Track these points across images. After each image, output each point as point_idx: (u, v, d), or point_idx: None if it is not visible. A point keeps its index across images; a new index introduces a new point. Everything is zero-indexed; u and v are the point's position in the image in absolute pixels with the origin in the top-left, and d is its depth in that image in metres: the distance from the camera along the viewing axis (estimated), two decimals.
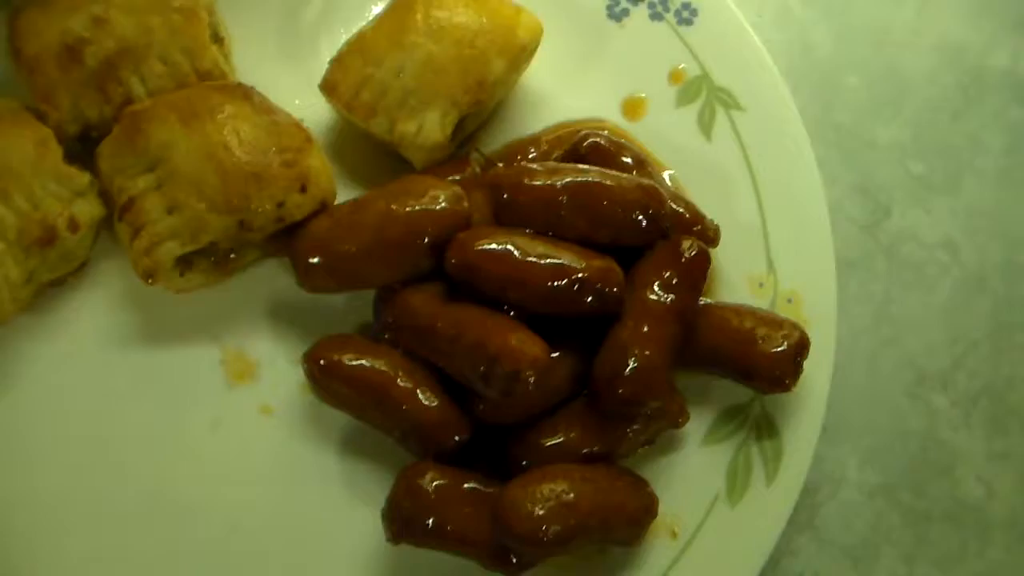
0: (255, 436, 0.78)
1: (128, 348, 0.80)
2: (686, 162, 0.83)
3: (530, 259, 0.73)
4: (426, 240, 0.75)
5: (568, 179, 0.75)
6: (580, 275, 0.73)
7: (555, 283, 0.73)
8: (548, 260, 0.73)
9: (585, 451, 0.75)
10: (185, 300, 0.80)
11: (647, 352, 0.73)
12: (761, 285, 0.81)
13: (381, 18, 0.79)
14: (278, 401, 0.79)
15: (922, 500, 0.84)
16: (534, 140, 0.84)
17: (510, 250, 0.73)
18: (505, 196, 0.76)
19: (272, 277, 0.81)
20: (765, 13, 0.93)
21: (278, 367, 0.79)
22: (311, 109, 0.82)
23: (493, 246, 0.74)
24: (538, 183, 0.75)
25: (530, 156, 0.83)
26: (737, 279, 0.81)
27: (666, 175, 0.83)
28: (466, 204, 0.76)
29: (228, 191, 0.74)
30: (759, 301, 0.80)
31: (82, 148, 0.79)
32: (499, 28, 0.79)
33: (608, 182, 0.76)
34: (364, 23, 0.84)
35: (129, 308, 0.80)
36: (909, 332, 0.87)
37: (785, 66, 0.86)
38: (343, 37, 0.84)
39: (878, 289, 0.88)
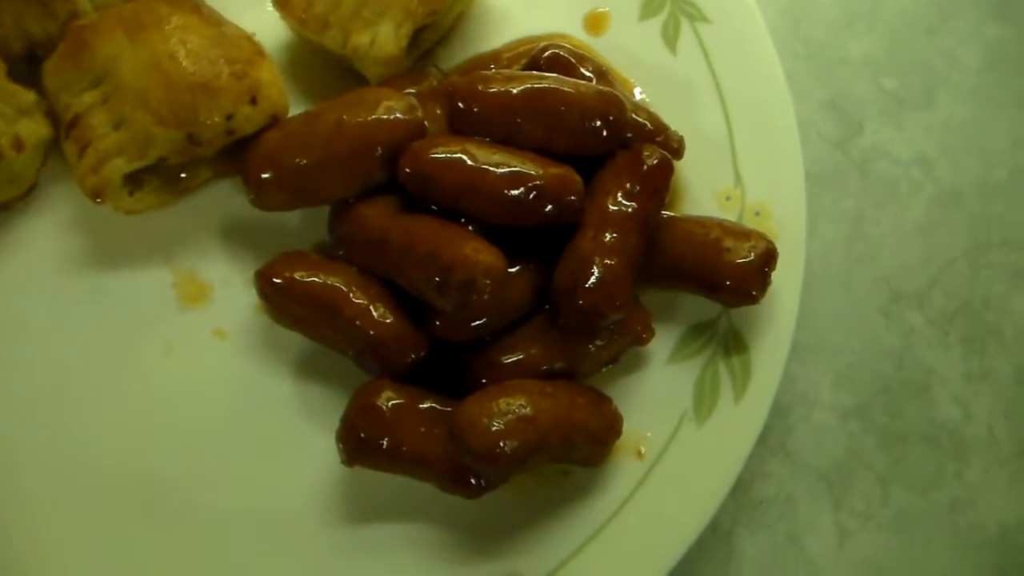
0: (209, 360, 0.76)
1: (78, 272, 0.78)
2: (651, 77, 0.81)
3: (486, 167, 0.71)
4: (379, 151, 0.72)
5: (525, 86, 0.73)
6: (537, 183, 0.71)
7: (511, 191, 0.71)
8: (504, 168, 0.71)
9: (546, 368, 0.73)
10: (135, 222, 0.78)
11: (608, 261, 0.71)
12: (728, 199, 0.79)
13: None
14: (232, 324, 0.77)
15: (897, 421, 0.82)
16: (494, 56, 0.82)
17: (464, 158, 0.71)
18: (460, 104, 0.73)
19: (225, 197, 0.79)
20: None
21: (231, 289, 0.77)
22: (264, 25, 0.80)
23: (447, 154, 0.71)
24: (494, 90, 0.73)
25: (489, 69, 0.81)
26: (703, 194, 0.79)
27: (635, 92, 0.81)
28: (420, 114, 0.74)
29: (175, 103, 0.72)
30: (726, 215, 0.78)
31: (28, 69, 0.77)
32: None
33: (566, 88, 0.73)
34: None
35: (78, 232, 0.78)
36: (883, 250, 0.85)
37: None
38: None
39: (851, 207, 0.85)
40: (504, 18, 0.83)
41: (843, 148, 0.86)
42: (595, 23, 0.83)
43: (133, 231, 0.78)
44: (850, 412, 0.82)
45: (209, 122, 0.72)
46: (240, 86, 0.73)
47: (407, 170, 0.72)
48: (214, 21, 0.75)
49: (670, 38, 0.82)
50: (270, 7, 0.78)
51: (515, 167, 0.71)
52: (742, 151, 0.79)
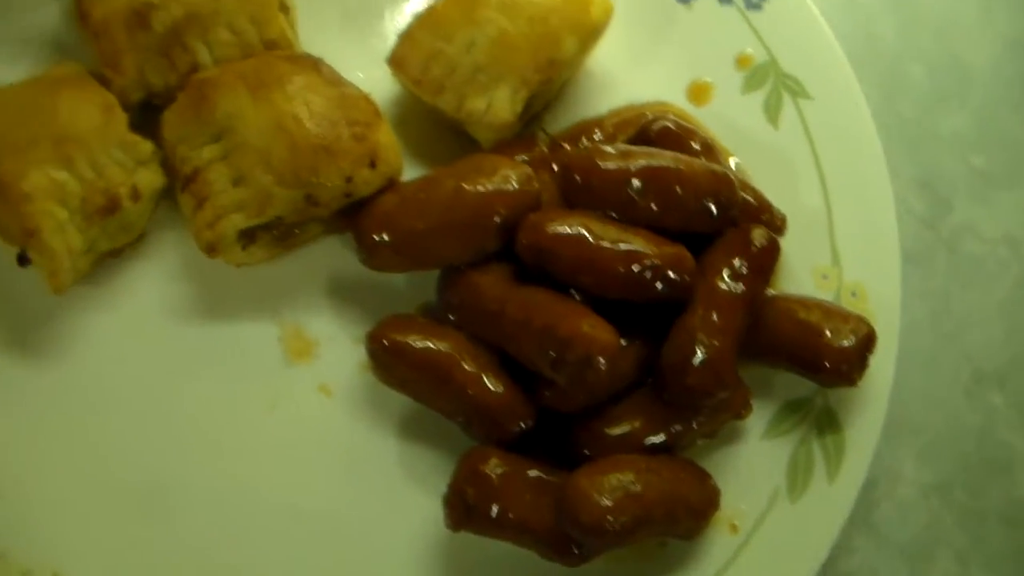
0: (313, 416, 0.77)
1: (185, 322, 0.78)
2: (751, 149, 0.82)
3: (603, 243, 0.72)
4: (496, 220, 0.73)
5: (641, 163, 0.74)
6: (652, 261, 0.72)
7: (627, 268, 0.72)
8: (620, 245, 0.72)
9: (649, 442, 0.74)
10: (244, 274, 0.78)
11: (716, 342, 0.72)
12: (825, 277, 0.80)
13: None
14: (337, 381, 0.78)
15: (978, 500, 0.83)
16: (599, 122, 0.83)
17: (583, 234, 0.72)
18: (577, 178, 0.74)
19: (333, 252, 0.80)
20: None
21: (337, 345, 0.78)
22: (375, 82, 0.80)
23: (566, 229, 0.72)
24: (611, 166, 0.74)
25: (595, 138, 0.82)
26: (801, 270, 0.80)
27: (732, 162, 0.82)
28: (536, 185, 0.75)
29: (297, 164, 0.73)
30: (823, 293, 0.80)
31: (142, 116, 0.78)
32: (572, 6, 0.77)
33: (681, 167, 0.74)
34: None
35: (187, 280, 0.79)
36: (968, 329, 0.86)
37: (849, 54, 0.84)
38: (407, 8, 0.84)
39: (937, 284, 0.87)
40: (609, 84, 0.84)
41: (932, 226, 0.88)
42: (698, 93, 0.84)
43: (241, 282, 0.79)
44: (932, 489, 0.83)
45: (329, 184, 0.73)
46: (360, 149, 0.74)
47: (525, 243, 0.73)
48: (334, 81, 0.76)
49: (772, 112, 0.83)
50: (382, 63, 0.79)
51: (631, 245, 0.72)
52: (840, 229, 0.81)
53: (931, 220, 0.88)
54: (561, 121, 0.83)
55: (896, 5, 0.93)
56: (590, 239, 0.72)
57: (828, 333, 0.75)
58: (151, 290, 0.79)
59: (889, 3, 0.93)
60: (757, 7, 0.83)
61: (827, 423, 0.78)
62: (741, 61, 0.83)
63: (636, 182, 0.74)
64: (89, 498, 0.75)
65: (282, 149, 0.73)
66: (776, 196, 0.79)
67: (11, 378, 0.77)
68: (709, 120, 0.83)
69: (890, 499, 0.83)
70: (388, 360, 0.74)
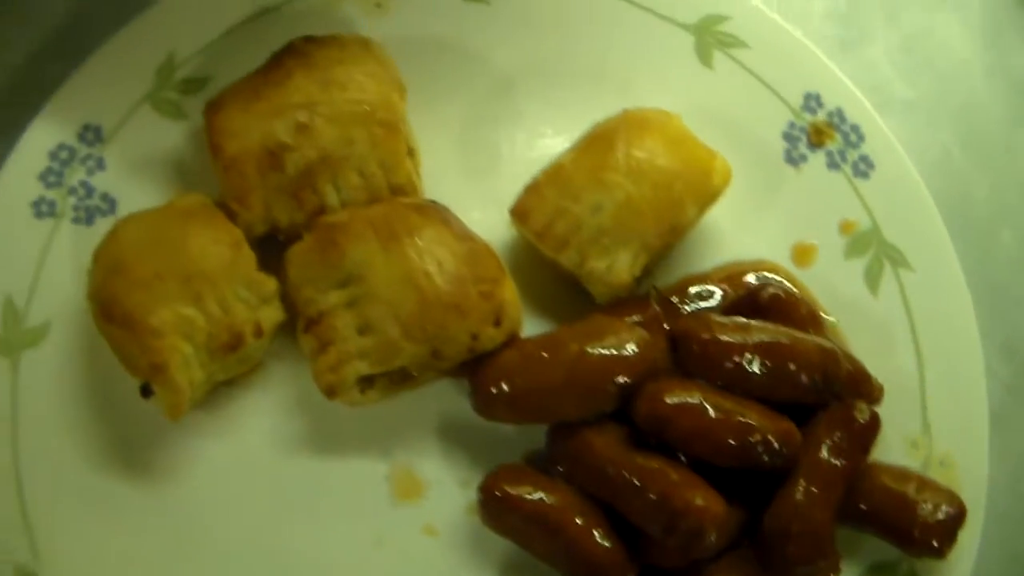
0: (418, 556, 0.79)
1: (295, 454, 0.80)
2: (849, 313, 0.85)
3: (718, 416, 0.75)
4: (616, 386, 0.75)
5: (757, 338, 0.77)
6: (764, 436, 0.75)
7: (739, 441, 0.74)
8: (736, 418, 0.75)
9: None
10: (356, 411, 0.80)
11: (817, 515, 0.75)
12: (915, 446, 0.83)
13: (580, 151, 0.80)
14: (443, 522, 0.79)
15: None
16: (705, 277, 0.85)
17: (700, 405, 0.75)
18: (694, 348, 0.77)
19: (443, 395, 0.81)
20: (926, 159, 0.93)
21: (445, 488, 0.80)
22: (491, 224, 0.83)
23: (685, 400, 0.75)
24: (728, 339, 0.76)
25: (703, 295, 0.84)
26: (891, 437, 0.83)
27: (829, 322, 0.85)
28: (656, 353, 0.77)
29: (425, 320, 0.74)
30: (912, 461, 0.82)
31: (260, 246, 0.79)
32: (695, 173, 0.79)
33: (794, 344, 0.77)
34: (546, 143, 0.86)
35: (299, 414, 0.80)
36: None
37: (943, 216, 0.87)
38: (524, 153, 0.86)
39: (1019, 447, 0.89)
40: (716, 240, 0.85)
41: (1015, 390, 0.90)
42: (803, 255, 0.86)
43: (353, 420, 0.80)
44: None
45: (456, 341, 0.75)
46: (487, 307, 0.76)
47: (644, 412, 0.75)
48: (462, 235, 0.77)
49: (872, 280, 0.85)
50: (498, 205, 0.81)
51: (746, 419, 0.75)
52: (932, 399, 0.83)
53: (1014, 385, 0.90)
54: (669, 275, 0.85)
55: (990, 164, 0.95)
56: (708, 411, 0.74)
57: (920, 507, 0.78)
58: (263, 421, 0.80)
59: (983, 162, 0.95)
60: (864, 175, 0.86)
61: None
62: (845, 227, 0.86)
63: (751, 356, 0.76)
64: None
65: (412, 304, 0.74)
66: (870, 362, 0.81)
67: (118, 497, 0.78)
68: (810, 282, 0.85)
69: None
70: (499, 509, 0.76)
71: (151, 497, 0.78)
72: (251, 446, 0.79)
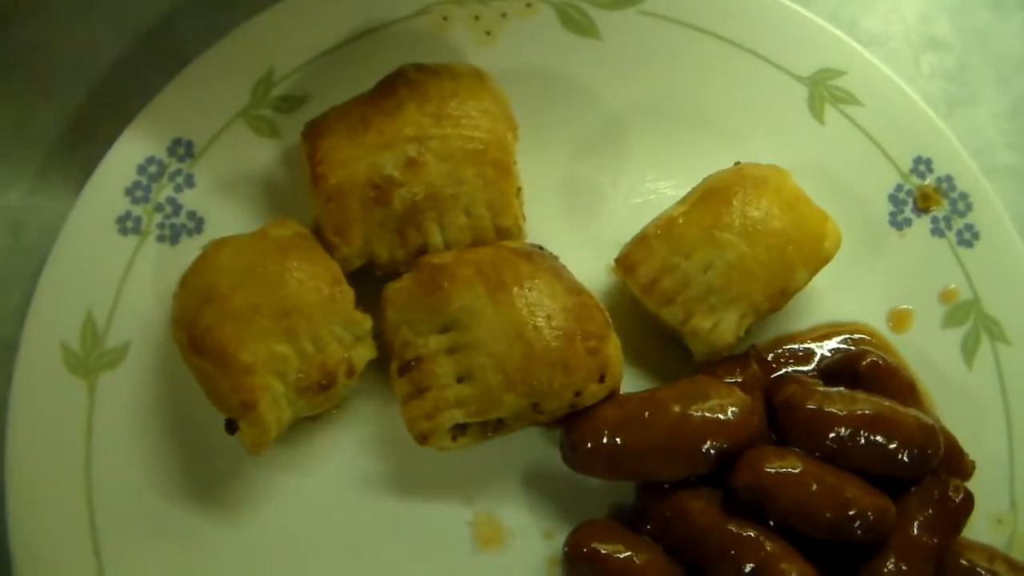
0: None
1: (376, 495, 0.77)
2: (942, 384, 0.83)
3: (819, 488, 0.73)
4: (715, 451, 0.74)
5: (862, 411, 0.75)
6: (862, 512, 0.73)
7: (836, 515, 0.73)
8: (834, 493, 0.73)
9: None
10: (440, 454, 0.77)
11: None
12: (1000, 522, 0.82)
13: (693, 204, 0.77)
14: (524, 573, 0.77)
15: None
16: (801, 337, 0.83)
17: (802, 478, 0.73)
18: (799, 416, 0.75)
19: (531, 442, 0.79)
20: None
21: (528, 538, 0.78)
22: (589, 269, 0.80)
23: (787, 470, 0.73)
24: (834, 411, 0.75)
25: (801, 356, 0.82)
26: (977, 513, 0.80)
27: (921, 389, 0.83)
28: (757, 419, 0.75)
29: (530, 374, 0.72)
30: (996, 538, 0.81)
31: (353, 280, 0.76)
32: (808, 238, 0.77)
33: (897, 419, 0.75)
34: (649, 187, 0.84)
35: (381, 454, 0.78)
36: None
37: None
38: (628, 197, 0.84)
39: None
40: (815, 299, 0.84)
41: None
42: (899, 320, 0.84)
43: (436, 463, 0.78)
44: None
45: (559, 396, 0.73)
46: (593, 363, 0.73)
47: (743, 482, 0.73)
48: (573, 289, 0.75)
49: (968, 352, 0.84)
50: (597, 250, 0.79)
51: (844, 493, 0.73)
52: (1020, 476, 0.82)
53: None
54: (766, 332, 0.83)
55: None
56: (809, 484, 0.73)
57: None
58: (345, 459, 0.78)
59: None
60: (968, 244, 0.84)
61: None
62: (945, 296, 0.84)
63: (854, 431, 0.75)
64: None
65: (518, 357, 0.72)
66: (960, 434, 0.80)
67: (189, 529, 0.76)
68: (905, 349, 0.84)
69: None
70: (586, 566, 0.75)
71: (223, 530, 0.76)
72: (330, 484, 0.77)
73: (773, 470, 0.73)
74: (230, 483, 0.77)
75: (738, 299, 0.76)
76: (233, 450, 0.75)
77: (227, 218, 0.79)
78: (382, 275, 0.76)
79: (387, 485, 0.78)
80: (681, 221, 0.77)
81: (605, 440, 0.74)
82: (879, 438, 0.75)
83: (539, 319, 0.72)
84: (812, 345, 0.83)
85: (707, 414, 0.74)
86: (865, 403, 0.76)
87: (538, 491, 0.79)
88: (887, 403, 0.77)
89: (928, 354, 0.84)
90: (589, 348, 0.73)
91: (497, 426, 0.76)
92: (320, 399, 0.74)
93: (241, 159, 0.80)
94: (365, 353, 0.75)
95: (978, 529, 0.81)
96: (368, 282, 0.76)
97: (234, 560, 0.76)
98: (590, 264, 0.81)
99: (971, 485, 0.80)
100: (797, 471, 0.73)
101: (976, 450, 0.81)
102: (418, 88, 0.75)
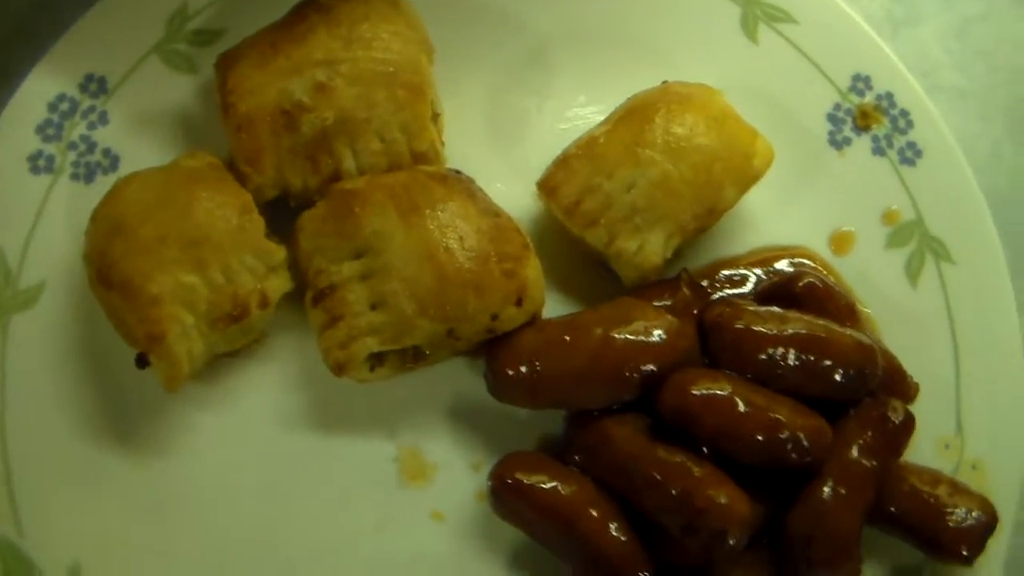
0: (423, 542, 0.75)
1: (296, 431, 0.76)
2: (886, 306, 0.81)
3: (747, 412, 0.71)
4: (640, 374, 0.71)
5: (792, 331, 0.72)
6: (794, 433, 0.71)
7: (767, 438, 0.70)
8: (765, 414, 0.71)
9: None
10: (363, 388, 0.75)
11: (845, 517, 0.72)
12: (947, 447, 0.79)
13: (615, 124, 0.75)
14: (450, 508, 0.76)
15: None
16: (737, 261, 0.81)
17: (729, 400, 0.71)
18: (728, 338, 0.73)
19: (456, 374, 0.77)
20: (975, 152, 0.89)
21: (454, 472, 0.76)
22: (514, 197, 0.78)
23: (714, 392, 0.71)
24: (763, 331, 0.72)
25: (736, 280, 0.80)
26: (923, 437, 0.79)
27: (863, 313, 0.81)
28: (685, 342, 0.73)
29: (443, 298, 0.70)
30: (942, 463, 0.79)
31: (268, 211, 0.74)
32: (736, 155, 0.75)
33: (832, 339, 0.73)
34: (577, 112, 0.81)
35: (302, 388, 0.76)
36: None
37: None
38: (554, 123, 0.82)
39: None
40: (752, 223, 0.81)
41: None
42: (840, 243, 0.82)
43: (359, 397, 0.76)
44: None
45: (474, 320, 0.71)
46: (509, 286, 0.71)
47: (669, 404, 0.71)
48: (487, 210, 0.73)
49: (913, 273, 0.81)
50: (522, 177, 0.77)
51: (776, 415, 0.71)
52: (967, 400, 0.80)
53: None
54: (701, 257, 0.81)
55: None
56: (736, 405, 0.70)
57: (951, 513, 0.75)
58: (264, 395, 0.76)
59: None
60: (911, 162, 0.82)
61: None
62: (888, 216, 0.82)
63: (786, 349, 0.72)
64: None
65: (430, 280, 0.70)
66: (905, 357, 0.78)
67: (108, 469, 0.74)
68: (848, 271, 0.81)
69: None
70: (511, 498, 0.73)
71: (143, 469, 0.75)
72: (250, 421, 0.76)
73: (699, 392, 0.71)
74: (149, 423, 0.75)
75: (663, 219, 0.74)
76: (152, 390, 0.73)
77: (143, 155, 0.77)
78: (298, 206, 0.75)
79: (309, 421, 0.76)
80: (603, 140, 0.74)
81: (526, 366, 0.72)
82: (812, 358, 0.72)
83: (451, 241, 0.70)
84: (749, 270, 0.81)
85: (631, 337, 0.72)
86: (797, 322, 0.73)
87: (464, 424, 0.77)
88: (821, 322, 0.74)
89: (871, 276, 0.81)
90: (505, 270, 0.71)
91: (417, 356, 0.74)
92: (235, 332, 0.73)
93: (156, 95, 0.78)
94: (280, 284, 0.73)
95: (924, 453, 0.79)
96: (287, 216, 0.75)
97: (154, 501, 0.74)
98: (517, 192, 0.79)
99: (916, 408, 0.78)
100: (725, 393, 0.71)
101: (922, 373, 0.79)
102: (329, 13, 0.74)
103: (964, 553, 0.75)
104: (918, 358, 0.79)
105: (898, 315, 0.81)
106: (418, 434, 0.76)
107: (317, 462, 0.75)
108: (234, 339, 0.74)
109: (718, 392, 0.71)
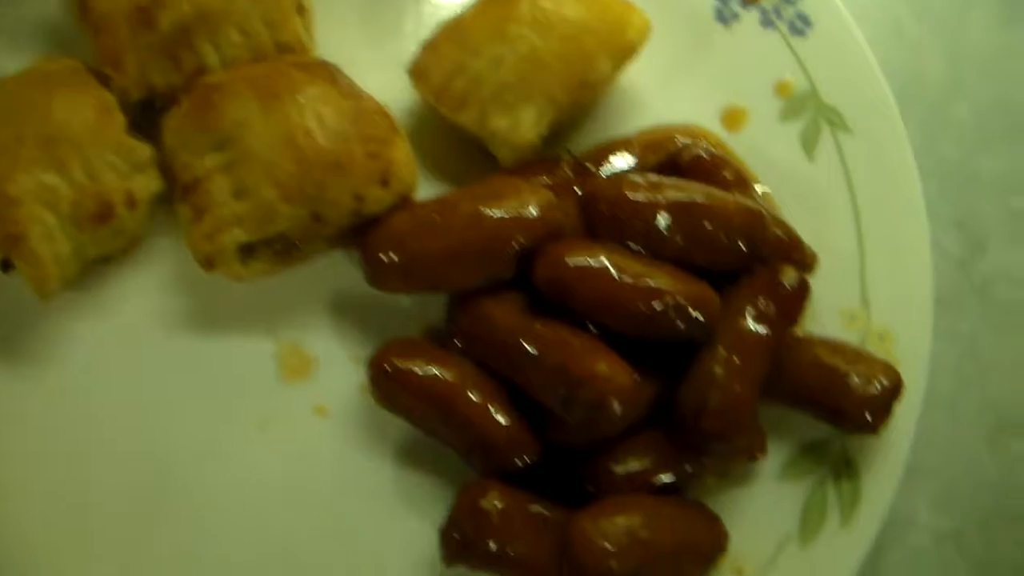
0: (307, 438, 0.74)
1: (176, 334, 0.75)
2: (784, 181, 0.78)
3: (624, 279, 0.68)
4: (513, 249, 0.70)
5: (671, 196, 0.70)
6: (675, 300, 0.68)
7: (648, 307, 0.68)
8: (643, 281, 0.68)
9: (658, 481, 0.71)
10: (241, 287, 0.74)
11: (737, 387, 0.69)
12: (852, 318, 0.77)
13: (482, 3, 0.73)
14: (334, 402, 0.74)
15: (993, 551, 0.80)
16: (626, 142, 0.79)
17: (604, 268, 0.68)
18: (602, 208, 0.71)
19: (336, 268, 0.76)
20: (877, 29, 0.87)
21: (336, 366, 0.75)
22: (392, 90, 0.76)
23: (586, 262, 0.69)
24: (639, 197, 0.70)
25: (622, 161, 0.78)
26: (827, 310, 0.77)
27: (762, 192, 0.78)
28: (558, 213, 0.71)
29: (304, 180, 0.69)
30: (849, 335, 0.76)
31: (142, 117, 0.73)
32: (608, 26, 0.73)
33: (713, 203, 0.71)
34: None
35: (180, 291, 0.75)
36: (994, 376, 0.83)
37: (893, 89, 0.80)
38: (430, 14, 0.80)
39: (966, 329, 0.84)
40: (639, 103, 0.79)
41: (964, 268, 0.84)
42: (733, 119, 0.79)
43: (237, 296, 0.75)
44: (946, 537, 0.80)
45: (337, 203, 0.69)
46: (373, 167, 0.70)
47: (543, 275, 0.69)
48: (350, 93, 0.72)
49: (809, 144, 0.79)
50: (401, 70, 0.75)
51: (655, 282, 0.69)
52: (871, 270, 0.77)
53: (964, 263, 0.84)
54: (587, 140, 0.79)
55: (943, 37, 0.89)
56: (611, 274, 0.68)
57: (853, 380, 0.72)
58: (143, 299, 0.75)
59: (937, 34, 0.89)
60: (801, 33, 0.79)
61: (844, 468, 0.75)
62: (780, 88, 0.79)
63: (665, 216, 0.70)
64: (67, 509, 0.72)
65: (289, 163, 0.69)
66: (806, 231, 0.75)
67: None
68: (742, 148, 0.79)
69: (902, 545, 0.80)
70: (390, 386, 0.71)
71: (19, 382, 0.74)
72: (129, 326, 0.74)
73: (574, 262, 0.69)
74: (23, 333, 0.74)
75: (534, 94, 0.72)
76: (27, 300, 0.72)
77: (2, 64, 0.76)
78: (166, 107, 0.74)
79: (188, 324, 0.75)
80: (468, 20, 0.73)
81: (397, 250, 0.71)
82: (693, 223, 0.70)
83: (311, 124, 0.69)
84: (636, 151, 0.78)
85: (501, 211, 0.70)
86: (675, 188, 0.71)
87: (346, 317, 0.75)
88: (702, 187, 0.72)
89: (766, 151, 0.79)
90: (369, 151, 0.70)
91: (290, 248, 0.73)
92: (106, 234, 0.72)
93: (19, 9, 0.77)
94: (148, 184, 0.72)
95: (830, 325, 0.77)
96: (158, 119, 0.73)
97: (30, 412, 0.73)
98: (394, 85, 0.76)
99: (820, 281, 0.76)
100: (600, 262, 0.69)
101: (824, 246, 0.76)
102: None
103: (869, 420, 0.72)
104: (820, 231, 0.77)
105: (797, 189, 0.78)
106: (298, 330, 0.75)
107: (195, 364, 0.74)
108: (106, 242, 0.73)
109: (593, 261, 0.69)
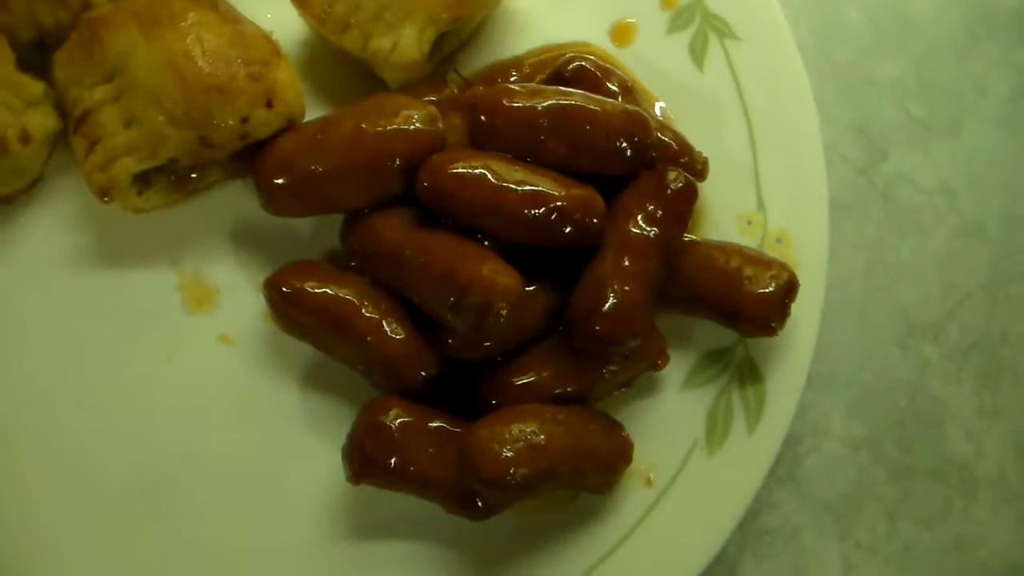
0: (213, 366, 0.75)
1: (80, 270, 0.76)
2: (676, 92, 0.79)
3: (506, 185, 0.69)
4: (397, 162, 0.70)
5: (550, 102, 0.71)
6: (558, 203, 0.69)
7: (531, 211, 0.69)
8: (525, 186, 0.69)
9: (558, 391, 0.71)
10: (141, 221, 0.75)
11: (627, 288, 0.69)
12: (749, 223, 0.77)
13: None
14: (238, 330, 0.75)
15: (908, 455, 0.81)
16: (516, 63, 0.80)
17: (485, 175, 0.69)
18: (482, 117, 0.71)
19: (235, 199, 0.77)
20: None
21: (239, 294, 0.75)
22: (283, 23, 0.77)
23: (467, 170, 0.69)
24: (518, 105, 0.71)
25: (512, 80, 0.79)
26: (724, 216, 0.77)
27: (656, 107, 0.79)
28: (440, 125, 0.72)
29: (188, 103, 0.69)
30: (747, 240, 0.77)
31: (36, 57, 0.75)
32: None
33: (592, 106, 0.71)
34: None
35: (82, 228, 0.76)
36: (902, 280, 0.83)
37: None
38: None
39: (872, 234, 0.84)
40: (527, 24, 0.80)
41: (866, 174, 0.85)
42: (621, 34, 0.80)
43: (139, 230, 0.76)
44: (861, 444, 0.81)
45: (223, 125, 0.70)
46: (256, 88, 0.71)
47: (425, 184, 0.70)
48: (231, 18, 0.73)
49: (698, 54, 0.79)
50: (289, 3, 0.76)
51: (536, 186, 0.69)
52: (766, 175, 0.78)
53: (866, 168, 0.85)
54: (477, 62, 0.80)
55: None
56: (492, 180, 0.69)
57: (747, 280, 0.72)
58: (45, 238, 0.76)
59: None
60: None
61: (748, 374, 0.75)
62: (666, 0, 0.80)
63: (544, 121, 0.71)
64: None
65: (173, 88, 0.70)
66: (701, 141, 0.76)
67: None
68: (632, 62, 0.79)
69: (816, 453, 0.80)
70: (286, 307, 0.72)
71: None
72: (33, 264, 0.76)
73: (455, 170, 0.69)
74: None
75: (413, 12, 0.73)
76: None
77: None
78: (57, 46, 0.75)
79: (90, 259, 0.76)
80: None
81: (285, 171, 0.71)
82: (573, 127, 0.71)
83: (192, 48, 0.70)
84: (527, 69, 0.79)
85: (384, 126, 0.71)
86: (555, 94, 0.72)
87: (246, 245, 0.76)
88: (582, 93, 0.72)
89: (656, 63, 0.80)
90: (250, 73, 0.71)
91: (185, 177, 0.74)
92: (3, 173, 0.73)
93: None
94: (43, 121, 0.73)
95: (728, 231, 0.77)
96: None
97: None
98: (285, 19, 0.78)
99: (716, 186, 0.77)
100: (481, 169, 0.69)
101: (719, 153, 0.77)
102: None
103: (764, 318, 0.72)
104: (713, 139, 0.78)
105: (689, 99, 0.79)
106: (200, 260, 0.76)
107: (100, 299, 0.75)
108: (5, 181, 0.74)
109: (473, 169, 0.69)
